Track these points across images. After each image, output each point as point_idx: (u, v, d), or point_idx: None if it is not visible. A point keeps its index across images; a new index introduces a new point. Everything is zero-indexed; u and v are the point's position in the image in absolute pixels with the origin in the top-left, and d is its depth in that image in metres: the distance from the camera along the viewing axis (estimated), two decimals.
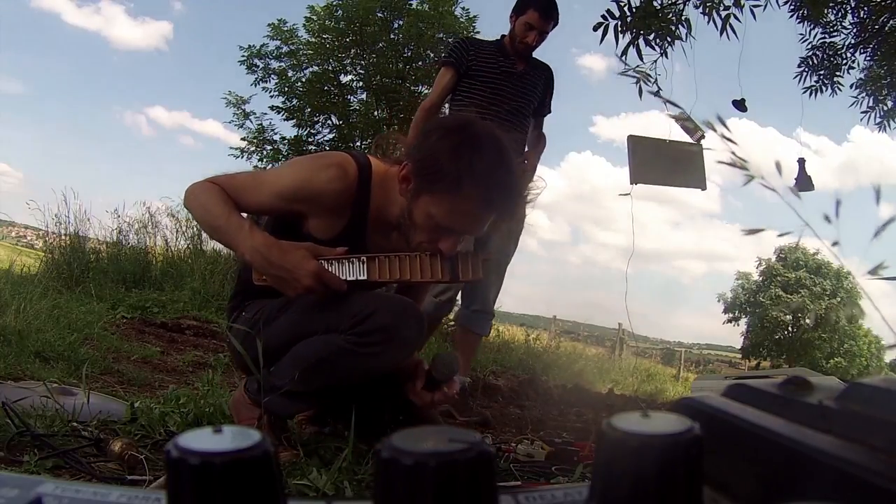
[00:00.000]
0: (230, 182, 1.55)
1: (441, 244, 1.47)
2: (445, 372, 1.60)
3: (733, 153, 0.72)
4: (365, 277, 1.48)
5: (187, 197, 1.54)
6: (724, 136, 0.72)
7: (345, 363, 1.46)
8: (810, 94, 5.11)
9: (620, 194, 4.21)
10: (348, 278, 1.47)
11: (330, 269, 1.46)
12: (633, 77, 4.44)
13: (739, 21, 4.36)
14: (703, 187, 4.33)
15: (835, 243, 0.70)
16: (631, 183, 4.16)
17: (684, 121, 4.30)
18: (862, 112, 5.19)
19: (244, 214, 1.55)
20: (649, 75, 4.48)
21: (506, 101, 2.88)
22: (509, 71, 2.92)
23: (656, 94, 4.44)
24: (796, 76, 5.13)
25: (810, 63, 5.10)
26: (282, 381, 1.51)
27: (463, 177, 1.39)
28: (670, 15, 4.45)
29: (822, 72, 5.07)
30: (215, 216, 1.49)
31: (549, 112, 3.13)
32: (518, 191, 1.49)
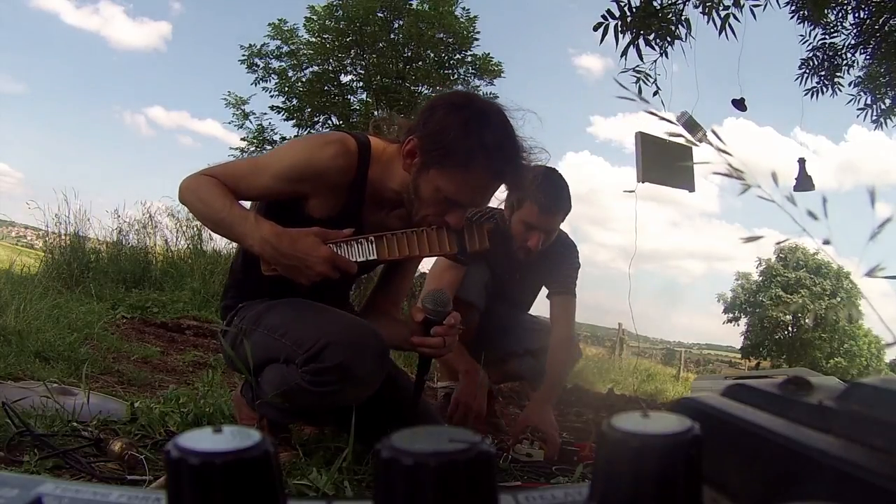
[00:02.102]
0: (226, 171, 1.51)
1: (448, 217, 1.48)
2: (440, 310, 1.55)
3: (730, 165, 0.73)
4: (375, 257, 1.49)
5: (182, 191, 1.49)
6: (720, 149, 0.73)
7: (306, 399, 1.42)
8: (812, 95, 5.12)
9: (625, 191, 4.23)
10: (358, 259, 1.48)
11: (339, 253, 1.46)
12: (634, 76, 4.45)
13: (738, 21, 4.37)
14: (692, 189, 4.38)
15: (826, 241, 0.71)
16: (638, 181, 4.18)
17: (685, 120, 4.32)
18: (859, 109, 5.20)
19: (246, 204, 1.53)
20: (649, 75, 4.49)
21: (504, 298, 2.45)
22: (507, 276, 2.40)
23: (652, 113, 4.43)
24: (797, 78, 5.15)
25: (811, 64, 5.10)
26: (265, 397, 1.50)
27: (474, 151, 1.41)
28: (670, 15, 4.46)
29: (822, 73, 5.08)
30: (216, 209, 1.45)
31: (570, 293, 2.41)
32: (524, 161, 1.49)
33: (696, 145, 4.18)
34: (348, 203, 1.55)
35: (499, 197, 1.65)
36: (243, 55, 13.45)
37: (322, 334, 1.38)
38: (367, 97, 13.81)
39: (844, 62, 5.06)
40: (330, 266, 1.42)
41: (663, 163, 4.18)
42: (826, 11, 4.80)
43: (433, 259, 2.11)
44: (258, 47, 13.41)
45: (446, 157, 1.43)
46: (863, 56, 5.04)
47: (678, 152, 4.16)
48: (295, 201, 1.54)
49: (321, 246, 1.42)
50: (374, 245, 1.48)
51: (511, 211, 2.24)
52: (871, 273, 0.66)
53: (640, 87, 4.51)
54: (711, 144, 0.74)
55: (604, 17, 4.27)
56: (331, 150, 1.50)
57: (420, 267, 2.39)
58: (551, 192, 2.16)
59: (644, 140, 4.15)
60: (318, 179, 1.51)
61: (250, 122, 13.53)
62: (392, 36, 13.49)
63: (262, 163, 1.59)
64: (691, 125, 4.47)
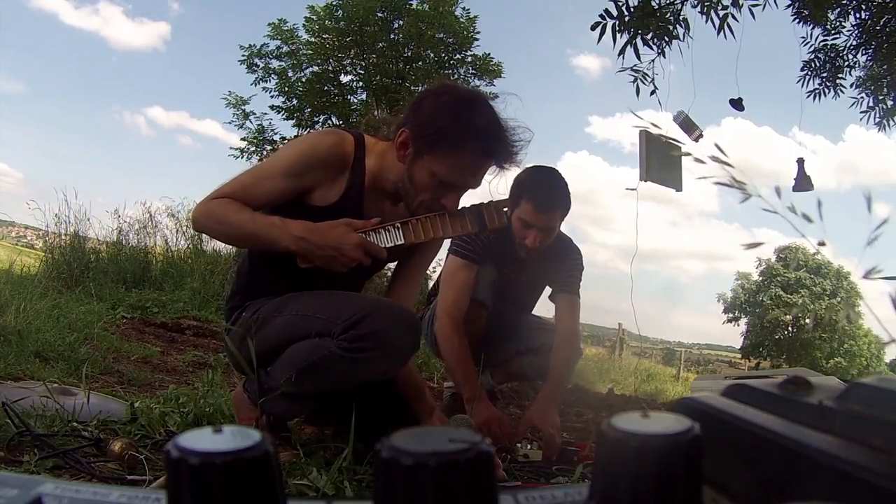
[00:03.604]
0: (233, 188, 1.55)
1: (444, 201, 1.56)
2: None
3: (733, 178, 0.73)
4: (402, 242, 1.56)
5: (198, 221, 1.54)
6: (722, 161, 0.73)
7: (336, 368, 1.44)
8: (814, 97, 5.11)
9: (627, 188, 4.28)
10: (387, 245, 1.55)
11: (369, 240, 1.53)
12: (632, 75, 4.45)
13: (737, 21, 4.37)
14: (679, 188, 4.41)
15: (821, 243, 0.71)
16: (641, 179, 4.20)
17: (682, 119, 4.33)
18: (861, 111, 5.19)
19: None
20: (647, 74, 4.49)
21: (508, 299, 2.47)
22: (512, 277, 2.42)
23: (653, 93, 4.45)
24: (799, 80, 5.13)
25: (813, 66, 5.09)
26: (275, 383, 1.51)
27: (464, 133, 1.49)
28: (668, 14, 4.45)
29: (824, 74, 5.07)
30: (240, 225, 1.49)
31: (574, 292, 2.42)
32: (511, 139, 1.56)
33: (681, 145, 4.21)
34: (349, 189, 1.61)
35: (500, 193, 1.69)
36: (243, 55, 13.44)
37: (360, 307, 1.44)
38: (367, 97, 13.80)
39: (846, 63, 5.06)
40: (362, 251, 1.49)
41: (662, 162, 4.21)
42: (827, 11, 4.79)
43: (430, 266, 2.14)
44: (258, 47, 13.40)
45: (438, 142, 1.51)
46: (864, 57, 5.03)
47: (671, 152, 4.20)
48: (297, 196, 1.58)
49: (352, 234, 1.49)
50: (400, 231, 1.56)
51: (511, 210, 2.24)
52: (868, 275, 0.66)
53: (637, 86, 4.51)
54: (717, 159, 0.74)
55: (601, 16, 4.27)
56: (330, 138, 1.60)
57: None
58: (547, 190, 2.18)
59: (648, 138, 4.17)
60: (322, 168, 1.57)
61: (250, 122, 13.52)
62: (392, 36, 13.48)
63: (265, 168, 1.65)
64: (688, 124, 4.48)
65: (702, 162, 0.75)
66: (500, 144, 1.54)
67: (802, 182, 4.86)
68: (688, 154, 0.79)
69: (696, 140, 4.56)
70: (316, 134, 1.71)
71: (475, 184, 1.60)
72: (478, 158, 1.54)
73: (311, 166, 1.56)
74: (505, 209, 1.61)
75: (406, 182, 1.57)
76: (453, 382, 2.46)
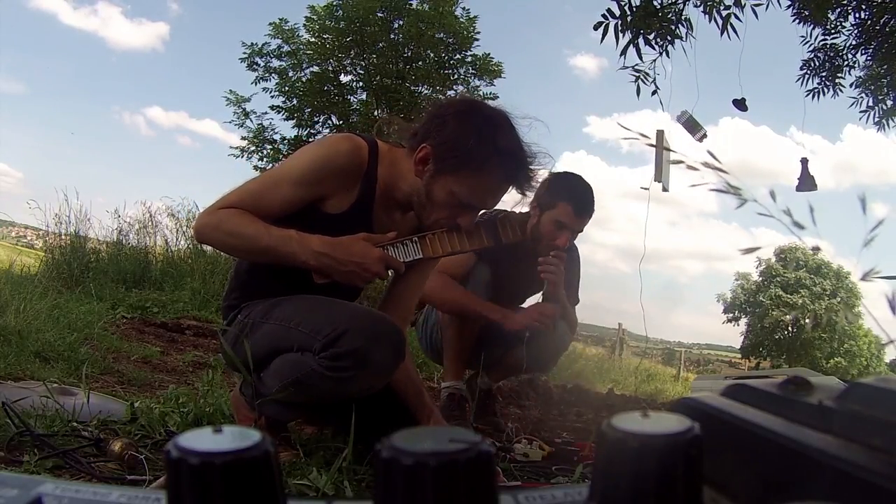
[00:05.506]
0: (241, 197, 1.50)
1: (460, 220, 1.56)
2: None
3: (728, 183, 0.74)
4: (420, 256, 1.57)
5: (203, 233, 1.49)
6: (716, 168, 0.74)
7: (320, 385, 1.41)
8: (813, 96, 5.10)
9: (642, 187, 4.36)
10: (406, 260, 1.55)
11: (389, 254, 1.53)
12: (633, 75, 4.45)
13: (740, 20, 4.36)
14: (667, 188, 4.47)
15: (815, 248, 0.72)
16: (655, 180, 4.26)
17: (685, 119, 4.35)
18: (861, 111, 5.19)
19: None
20: (648, 74, 4.49)
21: (502, 299, 2.43)
22: (505, 275, 2.42)
23: (654, 93, 4.47)
24: (798, 79, 5.13)
25: (812, 65, 5.09)
26: (268, 390, 1.50)
27: (488, 157, 1.48)
28: (670, 14, 4.45)
29: (823, 74, 5.06)
30: (253, 238, 1.45)
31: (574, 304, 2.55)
32: (532, 164, 1.57)
33: (673, 152, 4.26)
34: (361, 198, 1.59)
35: (505, 199, 1.72)
36: (244, 54, 13.43)
37: (340, 322, 1.40)
38: (367, 97, 13.80)
39: (845, 63, 5.05)
40: (383, 266, 1.49)
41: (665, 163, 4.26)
42: (827, 12, 4.79)
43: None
44: (259, 46, 13.39)
45: (462, 164, 1.49)
46: (864, 57, 5.02)
47: (669, 158, 4.25)
48: (309, 203, 1.56)
49: (373, 248, 1.48)
50: (418, 245, 1.56)
51: (540, 211, 2.29)
52: (866, 276, 0.66)
53: (638, 86, 4.51)
54: (710, 166, 0.74)
55: (604, 16, 4.26)
56: (345, 145, 1.56)
57: None
58: (586, 196, 2.32)
59: (663, 141, 4.21)
60: (337, 177, 1.54)
61: (251, 120, 13.51)
62: (392, 36, 13.47)
63: (276, 175, 1.61)
64: (691, 124, 4.49)
65: (695, 169, 0.76)
66: (521, 169, 1.54)
67: (806, 182, 4.85)
68: (680, 162, 0.78)
69: (700, 140, 4.57)
70: (331, 141, 1.63)
71: (493, 205, 1.62)
72: (499, 182, 1.54)
73: (326, 175, 1.52)
74: (521, 223, 1.66)
75: (422, 198, 1.55)
76: (478, 311, 2.33)
